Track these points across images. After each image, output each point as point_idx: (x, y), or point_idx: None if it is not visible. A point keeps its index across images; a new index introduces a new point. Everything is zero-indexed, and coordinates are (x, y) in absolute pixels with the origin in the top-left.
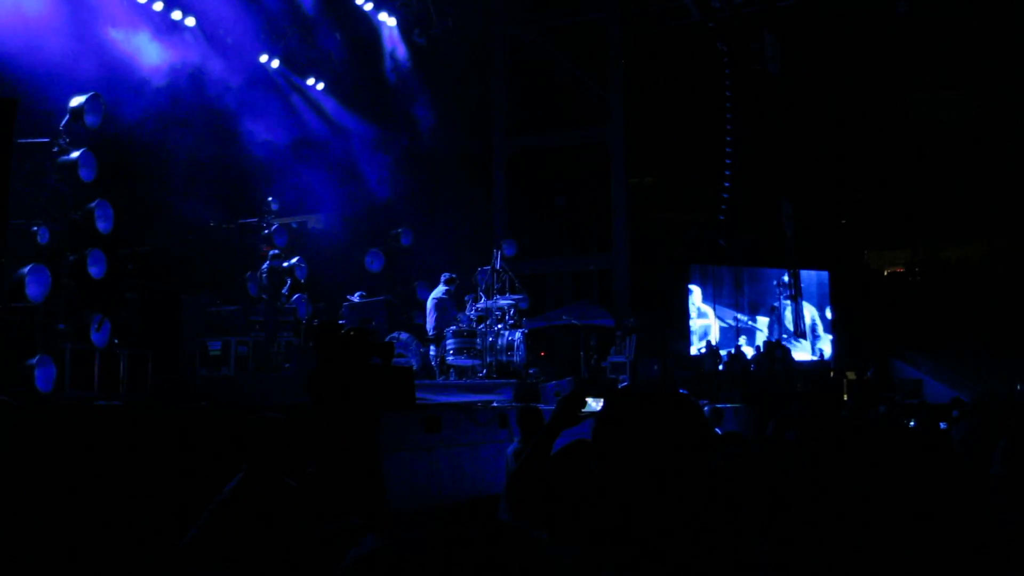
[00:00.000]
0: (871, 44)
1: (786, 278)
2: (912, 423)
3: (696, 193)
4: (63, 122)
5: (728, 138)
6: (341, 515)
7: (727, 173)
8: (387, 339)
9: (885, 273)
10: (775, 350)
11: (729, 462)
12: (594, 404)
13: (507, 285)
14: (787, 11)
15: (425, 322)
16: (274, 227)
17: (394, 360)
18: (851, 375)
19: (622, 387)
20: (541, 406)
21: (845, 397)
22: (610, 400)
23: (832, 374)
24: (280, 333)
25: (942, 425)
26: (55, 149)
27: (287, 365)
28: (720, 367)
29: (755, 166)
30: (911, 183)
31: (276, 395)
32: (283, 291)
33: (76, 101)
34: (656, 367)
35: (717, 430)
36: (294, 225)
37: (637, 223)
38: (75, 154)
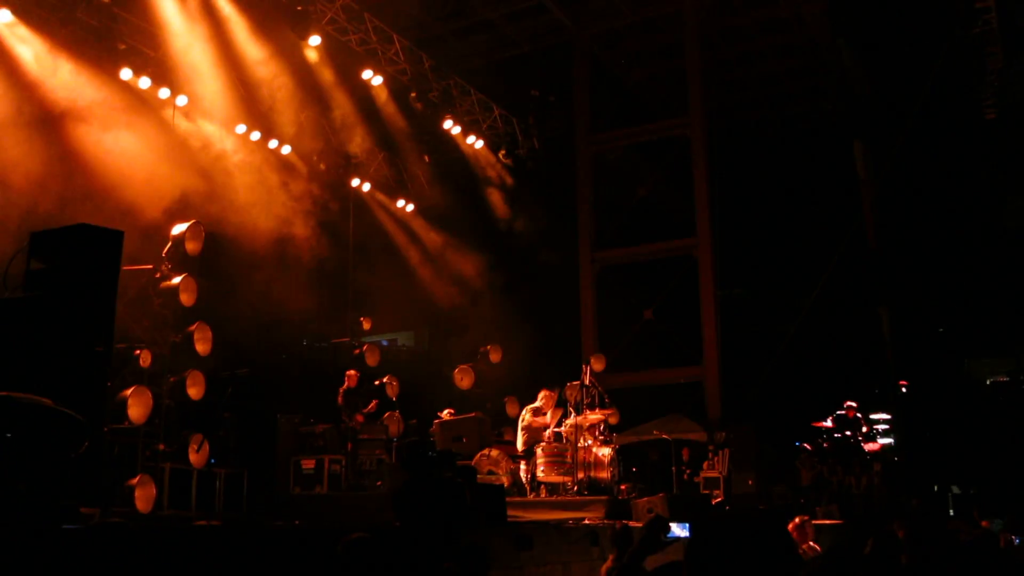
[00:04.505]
0: (964, 149)
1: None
2: None
3: (786, 304)
4: (165, 249)
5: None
6: None
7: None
8: (477, 456)
9: (987, 383)
10: (874, 462)
11: None
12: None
13: (596, 400)
14: (876, 116)
15: (515, 438)
16: (364, 346)
17: (484, 478)
18: (955, 489)
19: (711, 512)
20: (633, 522)
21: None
22: (700, 525)
23: (936, 488)
24: (372, 452)
25: None
26: (157, 275)
27: (379, 483)
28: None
29: (847, 275)
30: (1011, 289)
31: (368, 513)
32: (363, 411)
33: (178, 229)
34: (750, 482)
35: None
36: (384, 343)
37: (727, 334)
38: (176, 280)
